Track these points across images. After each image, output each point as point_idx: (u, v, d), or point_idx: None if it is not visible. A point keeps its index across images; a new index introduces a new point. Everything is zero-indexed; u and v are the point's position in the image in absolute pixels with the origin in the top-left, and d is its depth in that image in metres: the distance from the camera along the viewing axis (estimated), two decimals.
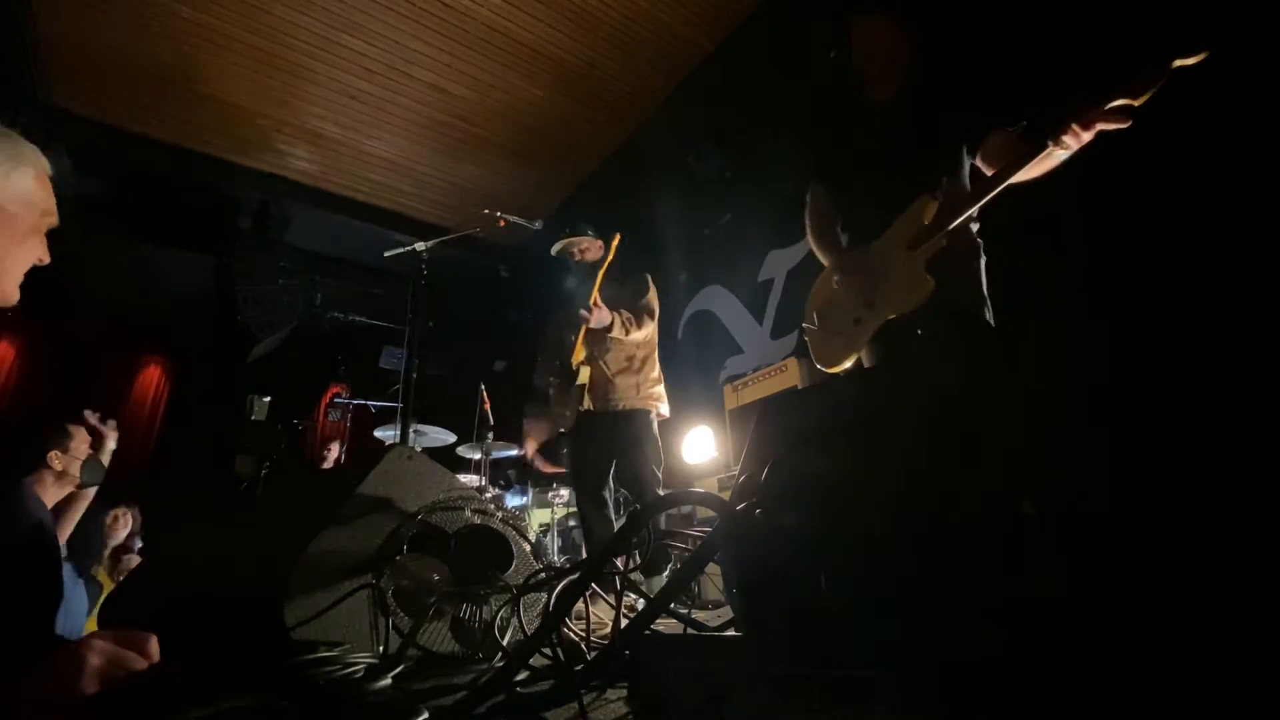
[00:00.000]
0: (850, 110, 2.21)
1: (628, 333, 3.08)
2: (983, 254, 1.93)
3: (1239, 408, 0.61)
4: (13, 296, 1.01)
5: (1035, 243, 2.06)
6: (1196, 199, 2.15)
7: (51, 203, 1.06)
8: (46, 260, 1.07)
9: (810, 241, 2.27)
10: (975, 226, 1.95)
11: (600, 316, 2.96)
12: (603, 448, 3.19)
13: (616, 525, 3.17)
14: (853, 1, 2.10)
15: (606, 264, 3.13)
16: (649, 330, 3.21)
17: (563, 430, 3.31)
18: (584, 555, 3.92)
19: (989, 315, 1.87)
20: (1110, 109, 1.46)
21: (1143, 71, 1.40)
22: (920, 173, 1.89)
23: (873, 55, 2.05)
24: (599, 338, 3.11)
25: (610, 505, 3.23)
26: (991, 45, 2.66)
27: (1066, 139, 1.52)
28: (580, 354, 3.14)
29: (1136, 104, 1.42)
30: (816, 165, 2.33)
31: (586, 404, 3.13)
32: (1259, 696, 0.51)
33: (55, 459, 2.30)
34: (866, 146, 2.07)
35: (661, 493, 2.99)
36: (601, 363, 3.15)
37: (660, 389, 3.28)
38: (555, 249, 3.38)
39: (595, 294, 3.01)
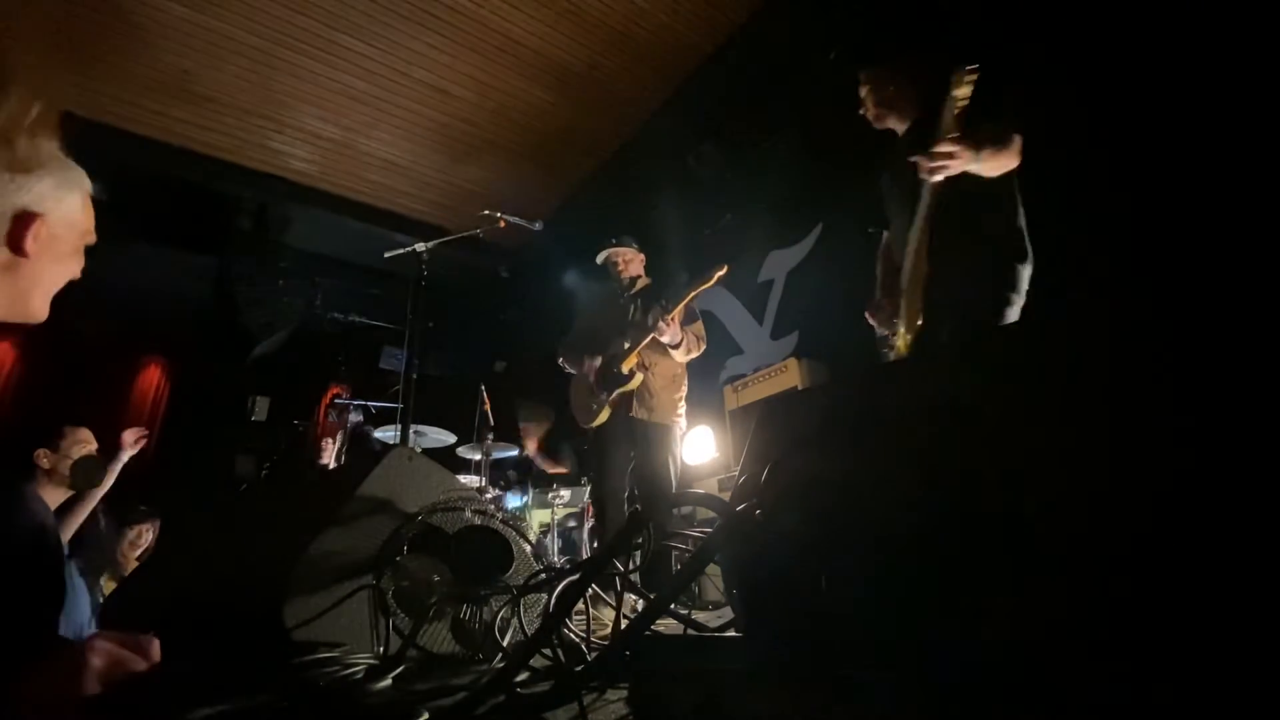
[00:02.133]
0: (889, 151, 2.36)
1: (689, 353, 3.30)
2: (1017, 261, 1.94)
3: (1242, 409, 0.61)
4: (42, 314, 1.02)
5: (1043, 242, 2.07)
6: (1202, 201, 2.14)
7: (91, 222, 1.08)
8: (78, 276, 1.08)
9: (875, 285, 2.42)
10: (994, 235, 1.97)
11: (674, 332, 3.15)
12: (631, 451, 3.35)
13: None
14: (857, 57, 2.37)
15: (700, 289, 3.28)
16: (698, 353, 3.42)
17: (585, 426, 3.42)
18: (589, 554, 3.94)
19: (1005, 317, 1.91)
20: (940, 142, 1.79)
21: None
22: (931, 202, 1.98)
23: (873, 102, 2.26)
24: (655, 350, 3.28)
25: (626, 504, 3.38)
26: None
27: (926, 173, 1.83)
28: (633, 361, 3.26)
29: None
30: (880, 211, 2.47)
31: (632, 410, 3.27)
32: (1262, 700, 0.51)
33: (42, 457, 2.27)
34: (893, 183, 2.22)
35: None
36: (650, 374, 3.31)
37: (684, 406, 3.45)
38: (600, 257, 3.57)
39: (679, 310, 3.21)
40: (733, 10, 3.94)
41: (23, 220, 0.92)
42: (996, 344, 1.08)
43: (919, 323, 1.96)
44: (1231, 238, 2.04)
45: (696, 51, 4.22)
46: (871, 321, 2.25)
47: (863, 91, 2.27)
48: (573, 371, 3.51)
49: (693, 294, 3.27)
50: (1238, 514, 0.58)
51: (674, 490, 3.24)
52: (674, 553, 2.50)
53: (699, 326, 3.43)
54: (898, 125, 2.25)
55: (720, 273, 3.29)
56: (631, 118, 4.79)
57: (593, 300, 3.81)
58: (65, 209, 0.99)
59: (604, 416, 3.32)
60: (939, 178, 1.83)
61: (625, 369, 3.26)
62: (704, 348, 3.40)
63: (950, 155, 1.76)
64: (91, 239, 1.08)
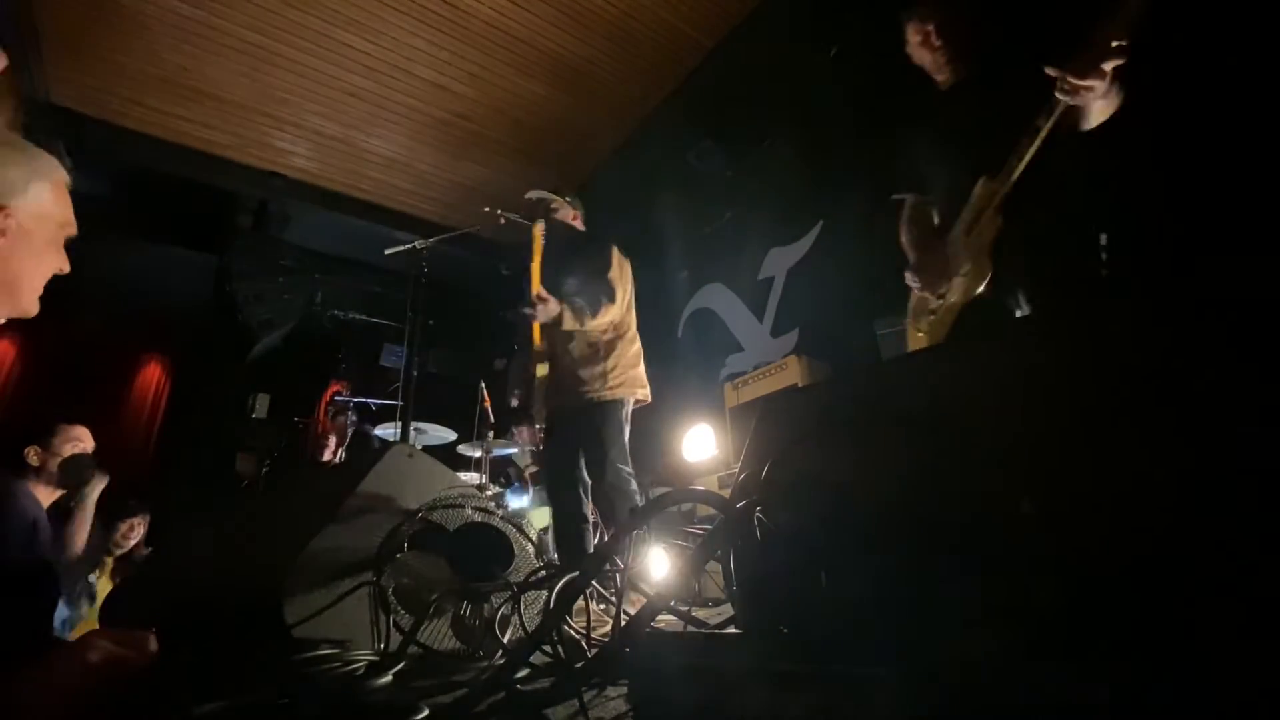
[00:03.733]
0: (916, 109, 2.17)
1: (582, 323, 2.70)
2: (1100, 228, 1.81)
3: (1246, 410, 0.61)
4: (32, 309, 1.01)
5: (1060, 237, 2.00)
6: (1210, 200, 2.12)
7: (68, 213, 1.05)
8: (66, 269, 1.06)
9: (906, 250, 2.17)
10: (1072, 192, 1.83)
11: (546, 310, 2.63)
12: (570, 447, 2.85)
13: (591, 522, 2.92)
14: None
15: (537, 255, 2.77)
16: (613, 314, 2.79)
17: (540, 428, 3.01)
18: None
19: (1095, 274, 1.77)
20: (1094, 54, 1.49)
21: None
22: (989, 154, 1.80)
23: (934, 46, 2.01)
24: (556, 326, 2.76)
25: (586, 505, 2.88)
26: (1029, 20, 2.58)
27: (1065, 91, 1.54)
28: (540, 345, 2.79)
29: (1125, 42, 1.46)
30: (897, 175, 2.24)
31: (553, 400, 2.84)
32: (1260, 700, 0.51)
33: (32, 454, 2.26)
34: (938, 139, 2.03)
35: (631, 487, 2.71)
36: (566, 352, 2.81)
37: (638, 371, 2.92)
38: (531, 194, 3.05)
39: (536, 285, 2.68)
40: (732, 6, 3.93)
41: None
42: (1006, 336, 1.07)
43: (985, 281, 1.77)
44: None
45: (696, 47, 4.21)
46: (914, 284, 2.01)
47: (928, 28, 2.00)
48: (516, 393, 3.01)
49: (535, 261, 2.77)
50: (1245, 516, 0.58)
51: (624, 473, 2.71)
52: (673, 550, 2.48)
53: (610, 277, 2.80)
54: (950, 74, 2.02)
55: (536, 229, 2.83)
56: (631, 114, 4.78)
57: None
58: (34, 199, 0.97)
59: (542, 417, 2.87)
60: (1075, 100, 1.54)
61: (534, 355, 2.77)
62: (608, 305, 2.74)
63: (1101, 75, 1.48)
64: (72, 231, 1.05)
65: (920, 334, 2.02)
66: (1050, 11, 1.88)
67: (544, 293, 2.66)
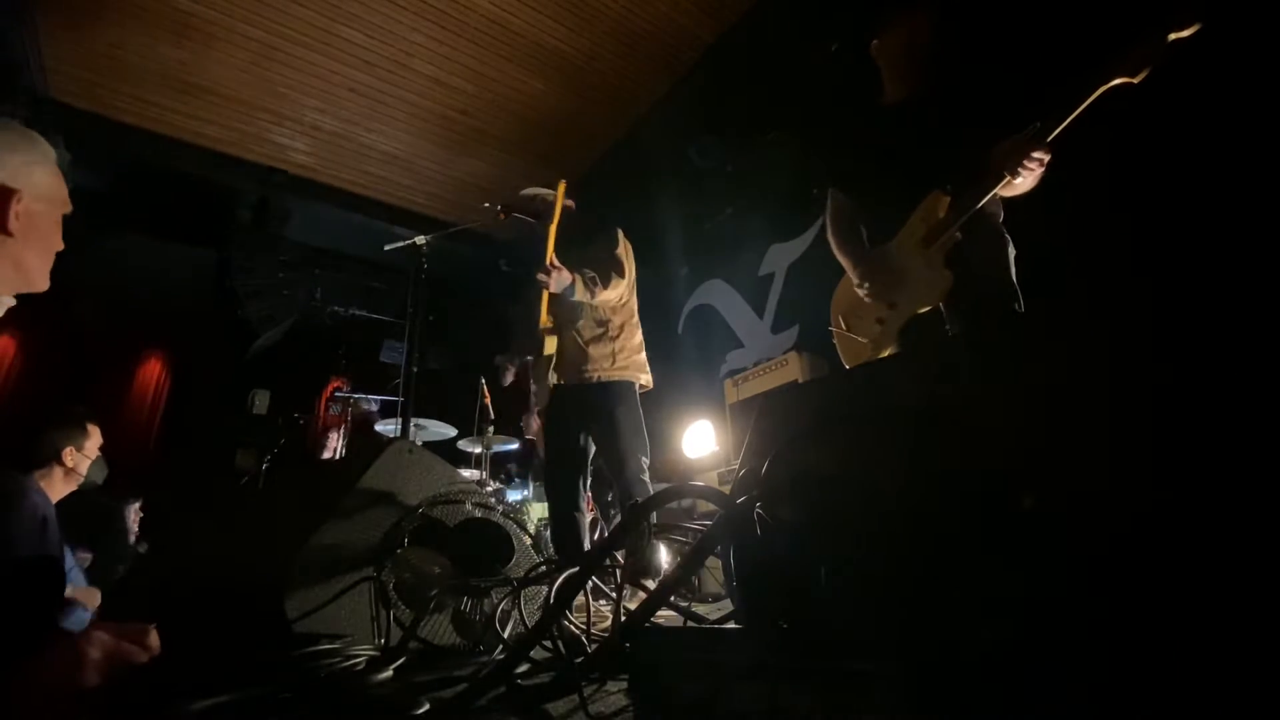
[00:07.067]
0: (864, 111, 2.20)
1: (593, 294, 2.69)
2: (1010, 245, 1.90)
3: (1243, 406, 0.61)
4: (44, 284, 1.05)
5: (1046, 231, 2.03)
6: (1201, 192, 2.14)
7: (64, 191, 1.09)
8: (61, 247, 1.10)
9: (833, 247, 2.18)
10: (1000, 217, 1.92)
11: (560, 278, 2.61)
12: (577, 427, 2.80)
13: (588, 517, 2.92)
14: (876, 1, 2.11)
15: (557, 217, 2.75)
16: (621, 290, 2.82)
17: (539, 409, 3.00)
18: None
19: (1018, 307, 1.83)
20: (1042, 143, 1.60)
21: (1139, 48, 1.45)
22: (937, 172, 1.86)
23: (902, 52, 2.04)
24: (567, 303, 2.75)
25: (583, 495, 2.84)
26: (1009, 42, 2.62)
27: (1018, 172, 1.64)
28: (547, 322, 2.76)
29: (1135, 81, 1.46)
30: (833, 170, 2.27)
31: (555, 378, 2.79)
32: (1259, 697, 0.51)
33: (69, 456, 2.30)
34: (883, 147, 2.04)
35: (646, 477, 2.71)
36: (574, 330, 2.80)
37: (641, 357, 2.91)
38: (525, 193, 3.04)
39: (550, 254, 2.66)
40: (734, 1, 3.92)
41: (2, 197, 0.93)
42: (1002, 335, 1.07)
43: (946, 291, 1.79)
44: (1230, 230, 2.03)
45: (697, 42, 4.20)
46: (863, 292, 1.99)
47: (897, 36, 2.03)
48: (508, 377, 3.04)
49: (553, 225, 2.73)
50: (1236, 512, 0.58)
51: (642, 461, 2.70)
52: (673, 546, 2.48)
53: (619, 254, 2.83)
54: (907, 85, 2.03)
55: (560, 188, 2.80)
56: (631, 110, 4.77)
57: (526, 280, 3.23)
58: (38, 182, 1.00)
59: (544, 396, 2.84)
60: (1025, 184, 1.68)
61: (540, 333, 2.75)
62: (617, 279, 2.77)
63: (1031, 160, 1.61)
64: (68, 208, 1.09)
65: (863, 340, 2.01)
66: (1016, 44, 1.90)
67: (558, 261, 2.64)
